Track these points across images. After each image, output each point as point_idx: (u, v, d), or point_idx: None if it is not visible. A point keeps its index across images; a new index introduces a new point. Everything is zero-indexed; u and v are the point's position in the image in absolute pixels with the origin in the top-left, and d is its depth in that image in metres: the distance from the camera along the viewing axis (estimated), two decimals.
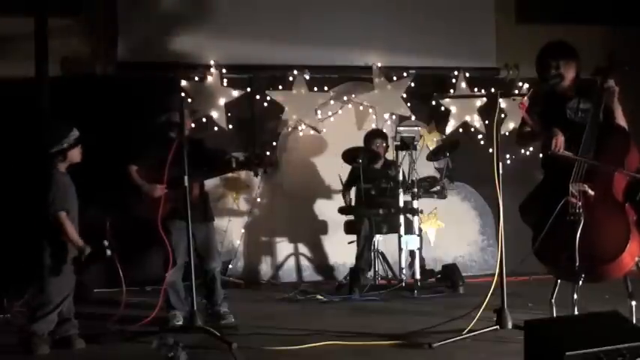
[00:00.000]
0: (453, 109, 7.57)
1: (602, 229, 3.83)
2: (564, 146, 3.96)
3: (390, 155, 6.71)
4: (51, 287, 4.01)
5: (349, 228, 6.49)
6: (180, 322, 4.51)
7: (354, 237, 6.34)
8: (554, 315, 3.97)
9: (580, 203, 3.85)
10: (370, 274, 6.34)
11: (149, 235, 4.44)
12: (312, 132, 7.30)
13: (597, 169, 3.89)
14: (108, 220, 4.54)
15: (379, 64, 7.38)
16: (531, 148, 7.45)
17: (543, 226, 3.86)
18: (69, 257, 4.04)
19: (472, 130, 7.61)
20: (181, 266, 4.64)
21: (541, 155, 4.23)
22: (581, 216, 3.82)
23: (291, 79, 7.25)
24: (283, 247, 7.35)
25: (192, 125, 5.29)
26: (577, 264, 3.74)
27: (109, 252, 4.00)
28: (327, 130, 7.32)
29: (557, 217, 3.83)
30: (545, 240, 3.85)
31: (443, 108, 7.59)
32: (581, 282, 3.77)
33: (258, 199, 7.29)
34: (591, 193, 3.88)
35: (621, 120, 4.01)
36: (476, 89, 7.44)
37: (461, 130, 7.60)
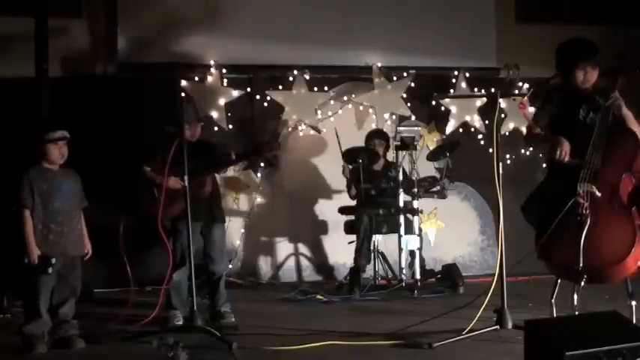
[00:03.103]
0: (453, 109, 7.57)
1: (607, 231, 3.83)
2: (571, 153, 3.92)
3: (390, 155, 6.71)
4: (33, 287, 4.00)
5: (349, 228, 6.49)
6: (181, 322, 4.51)
7: (354, 237, 6.33)
8: (554, 315, 3.98)
9: (587, 204, 3.85)
10: (370, 273, 6.34)
11: (157, 235, 4.38)
12: (312, 132, 7.30)
13: (605, 171, 3.89)
14: (121, 223, 4.55)
15: (379, 64, 7.38)
16: (531, 148, 7.47)
17: (547, 225, 3.86)
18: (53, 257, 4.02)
19: (472, 130, 7.61)
20: (189, 267, 4.64)
21: (543, 154, 4.22)
22: (587, 217, 3.82)
23: (291, 79, 7.25)
24: (283, 247, 7.35)
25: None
26: (580, 265, 3.74)
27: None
28: (327, 130, 7.31)
29: (562, 217, 3.82)
30: (550, 239, 3.84)
31: (443, 108, 7.59)
32: (583, 283, 3.77)
33: (258, 199, 7.29)
34: (598, 194, 3.88)
35: (634, 126, 3.96)
36: (476, 89, 7.43)
37: (461, 130, 7.60)
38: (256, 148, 4.83)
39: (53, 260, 3.98)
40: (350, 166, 6.46)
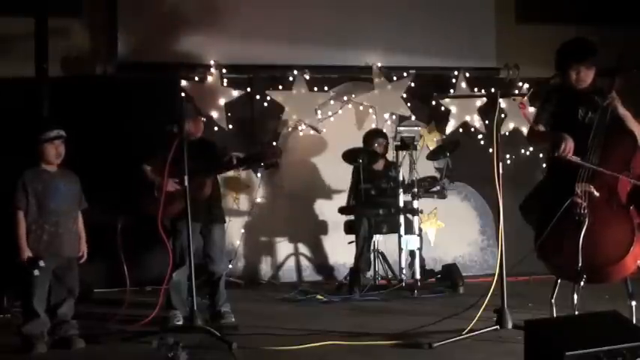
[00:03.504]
0: (453, 109, 7.57)
1: (606, 230, 3.83)
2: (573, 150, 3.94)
3: (390, 155, 6.71)
4: (27, 287, 4.00)
5: (349, 228, 6.49)
6: (180, 322, 4.51)
7: (354, 237, 6.34)
8: (554, 315, 3.98)
9: (585, 204, 3.86)
10: (370, 274, 6.34)
11: (156, 235, 4.36)
12: (312, 132, 7.30)
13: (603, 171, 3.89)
14: (119, 222, 4.55)
15: (379, 64, 7.38)
16: (531, 148, 7.47)
17: (546, 225, 3.86)
18: (45, 258, 4.02)
19: (472, 130, 7.61)
20: (189, 267, 4.63)
21: (543, 154, 4.21)
22: (586, 217, 3.82)
23: (291, 79, 7.25)
24: (283, 247, 7.35)
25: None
26: (579, 264, 3.74)
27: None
28: (327, 130, 7.31)
29: (561, 217, 3.83)
30: (548, 239, 3.84)
31: (443, 108, 7.59)
32: (583, 283, 3.77)
33: (258, 199, 7.29)
34: (596, 194, 3.88)
35: (634, 126, 3.95)
36: (476, 89, 7.44)
37: (461, 130, 7.60)
38: (258, 154, 4.81)
39: (41, 263, 3.98)
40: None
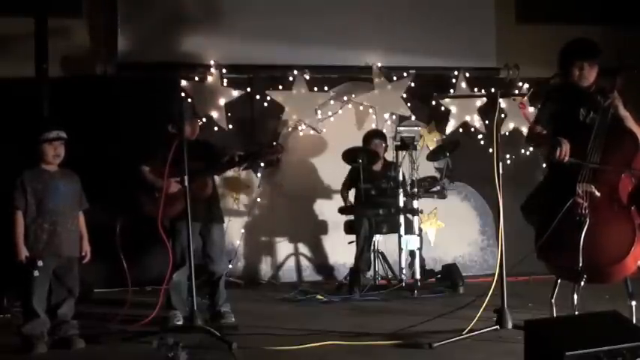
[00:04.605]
0: (453, 109, 7.57)
1: (607, 230, 3.83)
2: (571, 153, 3.92)
3: (389, 155, 6.71)
4: (27, 287, 4.01)
5: (349, 228, 6.49)
6: (180, 322, 4.51)
7: (354, 237, 6.34)
8: (554, 315, 3.98)
9: (586, 204, 3.86)
10: (370, 274, 6.35)
11: (156, 235, 4.37)
12: (312, 132, 7.30)
13: (604, 171, 3.89)
14: (118, 223, 4.55)
15: (379, 64, 7.38)
16: (531, 148, 7.47)
17: (547, 225, 3.86)
18: (44, 258, 4.03)
19: (472, 130, 7.61)
20: (189, 267, 4.63)
21: (543, 154, 4.21)
22: (587, 217, 3.83)
23: (291, 79, 7.25)
24: (283, 247, 7.35)
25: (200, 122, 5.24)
26: (580, 265, 3.74)
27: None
28: (327, 130, 7.31)
29: (562, 217, 3.82)
30: (549, 239, 3.84)
31: (443, 108, 7.59)
32: (583, 283, 3.77)
33: (258, 199, 7.29)
34: (598, 194, 3.88)
35: (634, 126, 3.95)
36: (476, 89, 7.43)
37: (461, 130, 7.60)
38: (258, 152, 4.81)
39: (39, 262, 3.99)
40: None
